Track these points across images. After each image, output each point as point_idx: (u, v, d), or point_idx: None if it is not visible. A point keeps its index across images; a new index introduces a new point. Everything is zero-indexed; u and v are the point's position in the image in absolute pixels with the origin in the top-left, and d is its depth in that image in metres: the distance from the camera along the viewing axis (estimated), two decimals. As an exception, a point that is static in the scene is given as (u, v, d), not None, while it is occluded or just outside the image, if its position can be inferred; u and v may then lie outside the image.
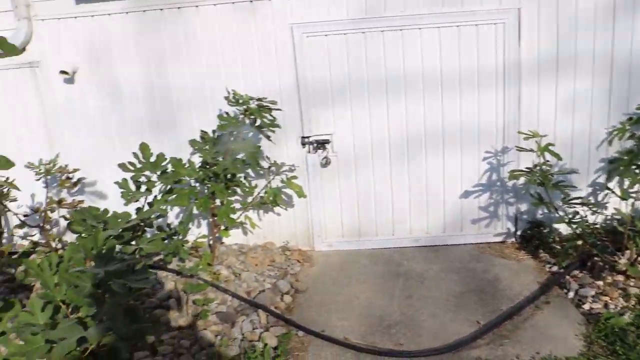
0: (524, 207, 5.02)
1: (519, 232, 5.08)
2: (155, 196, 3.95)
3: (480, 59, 4.63)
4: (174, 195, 3.92)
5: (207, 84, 4.97)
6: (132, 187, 3.99)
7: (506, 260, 4.71)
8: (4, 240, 5.62)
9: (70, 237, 5.53)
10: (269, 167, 4.94)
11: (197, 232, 5.31)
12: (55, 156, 5.12)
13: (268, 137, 4.69)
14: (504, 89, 4.69)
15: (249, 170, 4.94)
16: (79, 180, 5.35)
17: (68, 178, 5.22)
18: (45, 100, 5.33)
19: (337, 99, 4.83)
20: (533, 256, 4.74)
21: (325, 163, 5.03)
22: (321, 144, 4.99)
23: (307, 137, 4.98)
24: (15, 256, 5.24)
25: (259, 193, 4.96)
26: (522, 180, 4.67)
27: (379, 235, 5.19)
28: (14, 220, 5.48)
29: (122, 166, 4.00)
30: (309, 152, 5.03)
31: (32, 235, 5.37)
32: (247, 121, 4.63)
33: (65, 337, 2.29)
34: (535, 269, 4.51)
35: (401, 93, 4.75)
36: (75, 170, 5.23)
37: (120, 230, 2.91)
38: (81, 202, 5.15)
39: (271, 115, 4.57)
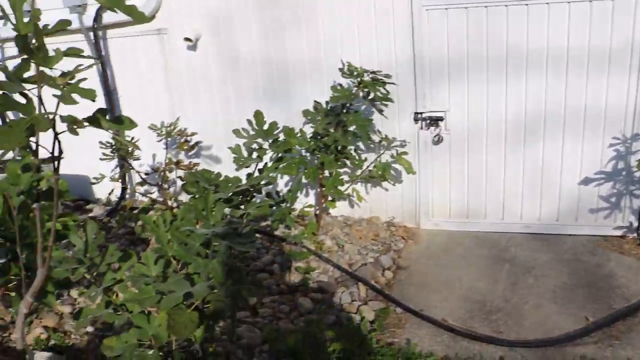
0: (651, 201, 4.66)
1: (642, 228, 4.74)
2: (266, 163, 4.05)
3: (613, 37, 4.28)
4: (284, 164, 3.99)
5: (323, 56, 4.99)
6: (244, 153, 4.10)
7: (624, 256, 4.39)
8: (126, 196, 6.02)
9: (185, 197, 5.82)
10: (380, 141, 4.90)
11: (305, 201, 5.40)
12: (176, 120, 5.36)
13: (380, 111, 4.65)
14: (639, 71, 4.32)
15: (360, 143, 4.93)
16: (196, 143, 5.60)
17: (186, 141, 5.46)
18: (169, 66, 5.60)
19: (454, 75, 4.68)
20: (657, 255, 4.41)
21: (437, 140, 4.91)
22: (434, 121, 4.87)
23: (421, 113, 4.87)
24: (135, 211, 5.61)
25: (367, 167, 4.95)
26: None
27: (487, 218, 5.02)
28: (136, 178, 5.84)
29: (236, 132, 4.11)
30: (421, 128, 4.93)
31: (151, 193, 5.69)
32: (361, 94, 4.60)
33: (174, 291, 2.43)
34: (657, 268, 4.20)
35: (522, 72, 4.51)
36: (193, 134, 5.47)
37: (230, 194, 3.01)
38: (197, 164, 5.38)
39: (385, 89, 4.52)
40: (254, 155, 4.05)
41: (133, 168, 5.40)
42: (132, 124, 1.94)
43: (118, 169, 5.80)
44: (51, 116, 1.79)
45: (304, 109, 4.78)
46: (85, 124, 1.87)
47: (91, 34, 5.60)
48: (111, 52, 5.82)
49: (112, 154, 5.17)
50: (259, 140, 4.11)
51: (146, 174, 5.53)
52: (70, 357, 3.46)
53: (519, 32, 4.42)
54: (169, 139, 5.33)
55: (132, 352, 2.62)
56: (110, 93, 5.83)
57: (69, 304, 4.06)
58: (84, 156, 5.43)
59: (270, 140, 4.10)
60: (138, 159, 5.42)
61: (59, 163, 2.08)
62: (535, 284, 4.03)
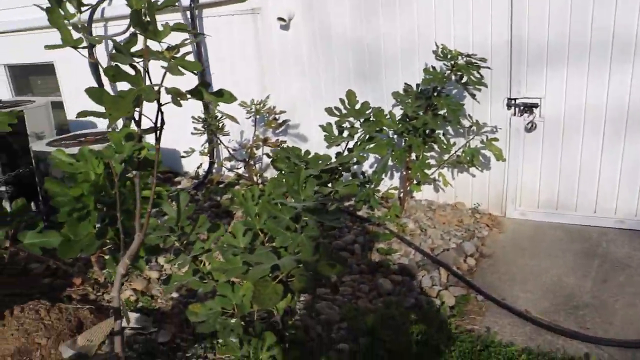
0: None
1: None
2: (356, 142, 4.06)
3: None
4: (374, 144, 3.99)
5: (416, 37, 4.91)
6: (335, 131, 4.13)
7: None
8: (213, 171, 6.21)
9: (270, 174, 5.94)
10: (470, 126, 4.80)
11: (389, 183, 5.38)
12: (265, 97, 5.46)
13: (473, 96, 4.54)
14: None
15: (449, 128, 4.85)
16: (284, 121, 5.69)
17: (275, 119, 5.56)
18: (262, 45, 5.70)
19: (553, 60, 4.48)
20: None
21: (530, 128, 4.75)
22: (528, 108, 4.70)
23: (514, 99, 4.72)
24: (221, 185, 5.78)
25: (456, 151, 4.86)
26: None
27: (577, 210, 4.82)
28: (224, 154, 6.01)
29: (329, 110, 4.15)
30: (514, 114, 4.77)
31: (238, 169, 5.84)
32: (453, 77, 4.52)
33: (261, 262, 2.50)
34: None
35: (629, 62, 4.25)
36: (282, 112, 5.56)
37: (319, 171, 3.05)
38: (284, 142, 5.47)
39: (479, 73, 4.40)
40: (345, 134, 4.08)
41: (222, 143, 5.56)
42: (232, 98, 2.00)
43: (207, 144, 5.98)
44: (157, 88, 1.87)
45: (394, 91, 4.75)
46: (188, 96, 1.94)
47: (188, 12, 5.78)
48: (205, 30, 5.98)
49: (203, 129, 5.34)
50: (351, 119, 4.13)
51: (233, 150, 5.68)
52: (156, 320, 3.63)
53: (629, 18, 4.15)
54: (258, 116, 5.43)
55: (215, 319, 2.72)
56: (203, 70, 6.00)
57: (156, 270, 4.26)
58: (173, 130, 5.63)
59: (361, 120, 4.11)
60: (227, 134, 5.57)
61: (160, 133, 2.18)
62: (629, 283, 3.84)
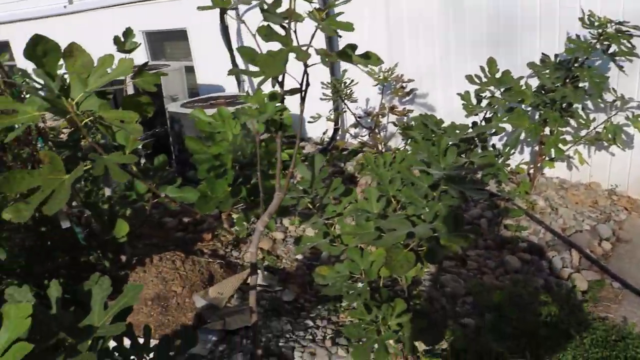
0: None
1: None
2: (495, 113, 3.91)
3: None
4: (514, 115, 3.82)
5: (557, 5, 4.61)
6: (474, 100, 4.01)
7: None
8: (338, 137, 6.25)
9: (394, 143, 5.89)
10: (613, 101, 4.47)
11: (519, 158, 5.16)
12: (393, 65, 5.38)
13: (620, 68, 4.21)
14: None
15: (588, 102, 4.55)
16: (411, 90, 5.59)
17: (402, 87, 5.47)
18: (391, 12, 5.59)
19: None
20: None
21: (684, 105, 4.35)
22: (684, 82, 4.30)
23: (668, 72, 4.34)
24: (345, 152, 5.81)
25: (595, 128, 4.56)
26: None
27: None
28: (349, 121, 6.01)
29: (469, 78, 4.02)
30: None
31: (363, 136, 5.83)
32: (599, 47, 4.21)
33: (395, 229, 2.48)
34: None
35: None
36: (409, 81, 5.45)
37: (458, 140, 2.97)
38: (410, 111, 5.39)
39: (630, 43, 4.07)
40: (483, 103, 3.94)
41: (349, 110, 5.56)
42: (378, 61, 1.97)
43: (333, 111, 6.01)
44: (306, 48, 1.88)
45: (529, 62, 4.50)
46: (337, 57, 1.94)
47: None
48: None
49: (332, 95, 5.36)
50: (491, 88, 3.98)
51: (359, 117, 5.66)
52: (280, 279, 3.74)
53: None
54: (385, 84, 5.37)
55: (342, 283, 2.75)
56: (331, 37, 5.99)
57: (281, 231, 4.36)
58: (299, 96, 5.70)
59: (502, 89, 3.95)
60: (355, 100, 5.56)
61: (305, 94, 2.20)
62: None
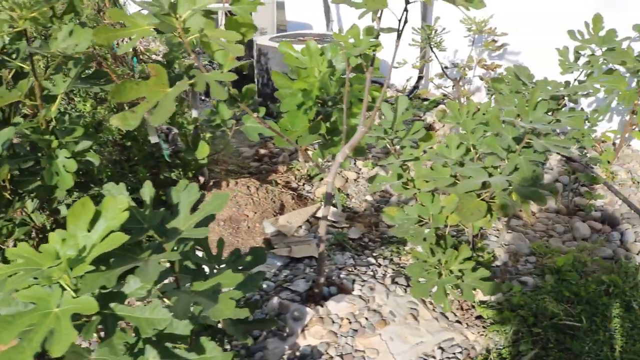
0: None
1: None
2: (591, 72, 3.79)
3: None
4: (611, 76, 3.69)
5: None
6: (571, 57, 3.89)
7: None
8: (420, 86, 6.19)
9: (477, 98, 5.79)
10: None
11: (607, 126, 4.98)
12: (488, 17, 5.24)
13: None
14: None
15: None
16: (503, 44, 5.43)
17: (493, 40, 5.33)
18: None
19: None
20: None
21: None
22: None
23: None
24: (426, 102, 5.77)
25: (693, 102, 4.33)
26: None
27: None
28: (434, 70, 5.94)
29: (570, 34, 3.88)
30: None
31: (446, 87, 5.76)
32: None
33: (471, 177, 2.50)
34: None
35: None
36: (503, 35, 5.30)
37: (548, 97, 2.92)
38: (499, 66, 5.26)
39: None
40: (581, 62, 3.82)
41: (437, 58, 5.48)
42: (481, 4, 1.97)
43: (420, 58, 5.94)
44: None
45: (636, 24, 4.26)
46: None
47: None
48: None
49: (421, 42, 5.30)
50: (592, 46, 3.84)
51: (445, 67, 5.58)
52: (348, 217, 3.83)
53: None
54: (476, 35, 5.26)
55: (410, 225, 2.81)
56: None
57: (354, 171, 4.43)
58: (387, 40, 5.65)
59: (604, 48, 3.81)
60: (444, 50, 5.47)
61: (401, 32, 2.22)
62: None
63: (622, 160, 4.64)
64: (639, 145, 4.87)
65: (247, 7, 3.37)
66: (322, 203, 3.83)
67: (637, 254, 3.53)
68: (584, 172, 4.27)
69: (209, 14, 2.20)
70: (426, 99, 5.90)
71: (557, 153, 4.65)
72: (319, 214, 3.71)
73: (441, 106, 5.64)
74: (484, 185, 2.47)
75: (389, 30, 2.26)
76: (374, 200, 4.05)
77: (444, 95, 5.67)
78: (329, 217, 3.71)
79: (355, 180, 4.30)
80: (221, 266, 2.09)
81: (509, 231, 3.65)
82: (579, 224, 3.77)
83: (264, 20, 6.48)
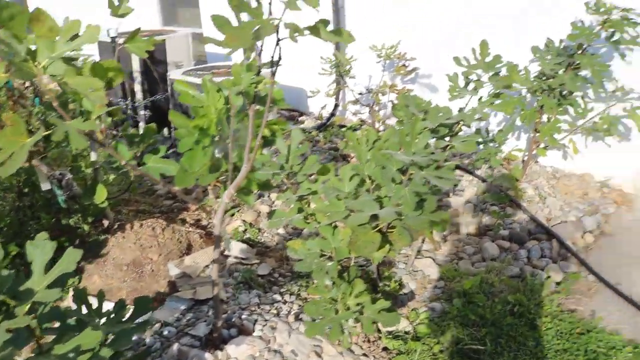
0: None
1: None
2: (481, 97, 3.87)
3: None
4: (500, 101, 3.78)
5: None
6: (461, 83, 3.96)
7: None
8: (337, 113, 6.22)
9: (394, 122, 5.86)
10: (613, 91, 4.39)
11: (514, 144, 5.11)
12: (397, 43, 5.33)
13: (623, 56, 4.13)
14: None
15: (589, 91, 4.48)
16: (414, 69, 5.53)
17: (404, 65, 5.42)
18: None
19: None
20: None
21: (685, 98, 4.27)
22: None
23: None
24: (343, 129, 5.80)
25: (592, 117, 4.48)
26: None
27: None
28: (349, 97, 5.99)
29: (456, 60, 3.97)
30: (670, 81, 4.31)
31: (361, 113, 5.81)
32: (603, 34, 4.13)
33: (361, 210, 2.49)
34: None
35: None
36: (412, 59, 5.40)
37: (438, 124, 2.95)
38: (411, 90, 5.35)
39: (635, 31, 3.99)
40: (471, 87, 3.90)
41: (347, 86, 5.53)
42: (350, 38, 1.97)
43: (333, 86, 5.98)
44: (276, 22, 1.88)
45: (533, 46, 4.41)
46: (306, 32, 1.94)
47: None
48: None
49: (331, 70, 5.33)
50: (479, 71, 3.93)
51: (360, 94, 5.63)
52: (259, 252, 3.77)
53: None
54: (387, 61, 5.33)
55: (313, 259, 2.77)
56: (338, 10, 5.94)
57: (267, 204, 4.38)
58: (302, 69, 5.68)
59: (490, 73, 3.90)
60: (353, 77, 5.53)
61: (276, 68, 2.19)
62: None
63: (530, 177, 4.76)
64: (546, 161, 5.01)
65: (141, 46, 3.31)
66: (231, 241, 3.77)
67: (543, 270, 3.59)
68: (492, 192, 4.35)
69: (69, 61, 2.13)
70: (343, 126, 5.93)
71: (467, 171, 4.74)
72: (228, 252, 3.63)
73: (357, 132, 5.68)
74: (374, 217, 2.46)
75: (269, 65, 2.22)
76: (286, 233, 4.01)
77: (362, 121, 5.72)
78: (237, 254, 3.65)
79: (268, 213, 4.25)
80: (102, 320, 1.99)
81: (418, 257, 3.66)
82: (488, 244, 3.82)
83: (179, 52, 6.40)
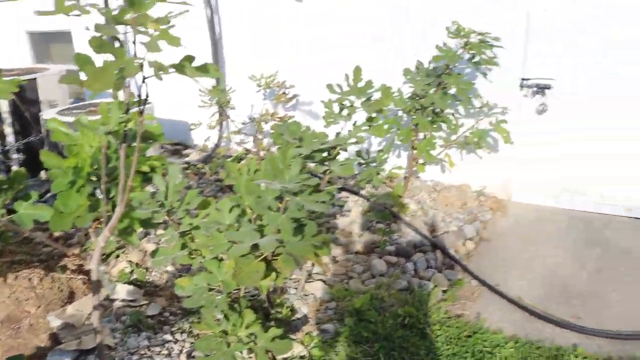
0: None
1: None
2: (356, 122, 4.00)
3: None
4: (374, 124, 3.93)
5: (438, 14, 4.82)
6: (336, 109, 4.06)
7: None
8: (221, 144, 6.20)
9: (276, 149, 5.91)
10: (480, 107, 4.70)
11: (396, 162, 5.31)
12: (275, 72, 5.41)
13: (484, 75, 4.43)
14: None
15: (459, 108, 4.75)
16: (294, 96, 5.63)
17: (284, 93, 5.51)
18: (275, 16, 5.61)
19: (568, 41, 4.36)
20: None
21: (542, 110, 4.64)
22: (541, 89, 4.58)
23: (527, 80, 4.61)
24: (229, 159, 5.77)
25: (464, 132, 4.77)
26: None
27: (584, 196, 4.72)
28: (233, 127, 5.99)
29: (329, 87, 4.07)
30: (526, 96, 4.67)
31: (246, 143, 5.82)
32: (466, 56, 4.42)
33: (242, 241, 2.48)
34: None
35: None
36: (291, 87, 5.50)
37: (312, 150, 3.01)
38: (291, 116, 5.43)
39: (492, 52, 4.30)
40: (345, 112, 4.01)
41: (229, 117, 5.53)
42: (216, 72, 1.97)
43: (215, 117, 5.96)
44: (139, 61, 1.85)
45: (405, 67, 4.63)
46: (171, 70, 1.92)
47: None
48: (221, 2, 5.92)
49: (210, 102, 5.32)
50: (352, 97, 4.04)
51: (243, 123, 5.65)
52: (148, 292, 3.66)
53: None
54: (267, 90, 5.40)
55: (201, 294, 2.73)
56: (216, 41, 5.95)
57: (154, 242, 4.27)
58: (184, 102, 5.63)
59: (363, 99, 4.03)
60: (233, 108, 5.55)
61: (144, 106, 2.16)
62: (629, 273, 3.77)
63: (413, 192, 4.96)
64: (426, 176, 5.25)
65: (4, 87, 3.14)
66: (116, 284, 3.63)
67: (429, 280, 3.74)
68: (376, 210, 4.48)
69: None
70: (229, 156, 5.91)
71: (352, 192, 4.86)
72: (114, 295, 3.50)
73: (243, 162, 5.67)
74: (255, 247, 2.46)
75: (138, 103, 2.18)
76: (175, 270, 3.92)
77: (247, 150, 5.73)
78: (125, 297, 3.52)
79: (152, 252, 4.13)
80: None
81: (309, 280, 3.69)
82: (376, 260, 3.92)
83: (53, 91, 6.13)
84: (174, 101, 6.05)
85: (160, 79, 1.91)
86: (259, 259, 2.62)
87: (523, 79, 4.62)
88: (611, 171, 4.55)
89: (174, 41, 1.95)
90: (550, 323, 3.26)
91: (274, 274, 2.71)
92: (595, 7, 4.22)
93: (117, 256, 4.01)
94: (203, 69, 2.02)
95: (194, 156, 6.24)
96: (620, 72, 4.28)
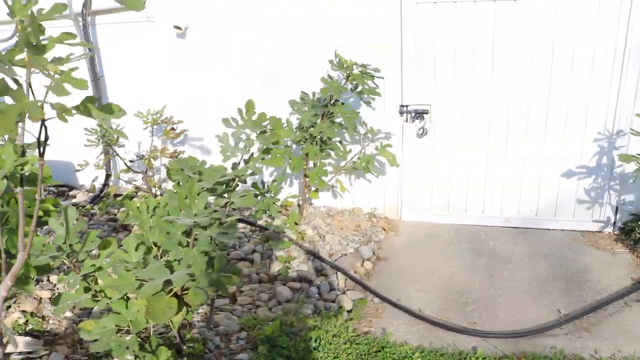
0: (629, 197, 4.70)
1: (618, 224, 4.79)
2: (252, 154, 4.07)
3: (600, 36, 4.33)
4: (270, 156, 4.03)
5: (320, 48, 5.02)
6: (232, 142, 4.11)
7: (600, 251, 4.49)
8: (110, 183, 6.04)
9: (170, 185, 5.84)
10: (365, 133, 4.95)
11: (289, 191, 5.45)
12: (162, 107, 5.38)
13: (367, 103, 4.69)
14: (622, 68, 4.36)
15: (346, 135, 4.98)
16: (182, 131, 5.61)
17: (172, 129, 5.49)
18: (158, 53, 5.59)
19: (440, 69, 4.73)
20: (631, 250, 4.45)
21: (422, 133, 4.97)
22: (419, 114, 4.92)
23: (406, 106, 4.93)
24: (119, 198, 5.63)
25: (352, 158, 5.00)
26: (631, 166, 4.33)
27: (468, 211, 5.11)
28: (121, 165, 5.86)
29: (225, 122, 4.11)
30: (406, 121, 4.99)
31: (136, 181, 5.72)
32: (349, 86, 4.65)
33: (153, 278, 2.47)
34: (631, 264, 4.27)
35: (508, 65, 4.56)
36: (179, 122, 5.49)
37: (214, 183, 3.04)
38: (182, 152, 5.41)
39: (373, 82, 4.57)
40: (241, 145, 4.07)
41: (118, 155, 5.42)
42: (121, 112, 1.98)
43: (102, 156, 5.80)
44: (41, 104, 1.82)
45: (291, 100, 4.79)
46: (74, 112, 1.90)
47: (80, 19, 5.59)
48: (99, 38, 5.81)
49: (97, 141, 5.19)
50: (247, 130, 4.11)
51: (131, 161, 5.55)
52: (47, 342, 3.49)
53: (506, 25, 4.46)
54: (155, 126, 5.35)
55: (110, 337, 2.66)
56: (97, 80, 5.82)
57: (48, 289, 4.07)
58: (69, 142, 5.44)
59: (258, 132, 4.11)
60: (122, 146, 5.44)
61: (44, 148, 2.11)
62: (512, 277, 4.12)
63: (308, 219, 5.10)
64: (320, 202, 5.42)
65: None
66: (10, 338, 3.43)
67: (334, 302, 3.86)
68: (275, 239, 4.56)
69: None
70: (119, 195, 5.76)
71: (250, 223, 4.91)
72: (9, 348, 3.30)
73: (135, 199, 5.56)
74: (167, 283, 2.46)
75: (36, 145, 2.13)
76: (75, 315, 3.76)
77: (137, 188, 5.62)
78: (22, 349, 3.34)
79: (50, 298, 3.95)
80: None
81: (217, 313, 3.69)
82: (281, 287, 3.99)
83: None
84: (55, 142, 5.81)
85: (65, 121, 1.90)
86: (170, 294, 2.62)
87: (402, 105, 4.93)
88: (490, 187, 4.95)
89: (80, 84, 1.95)
90: (451, 330, 3.50)
91: (185, 309, 2.72)
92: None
93: (9, 307, 3.78)
94: (107, 110, 2.04)
95: (81, 197, 6.01)
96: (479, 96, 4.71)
